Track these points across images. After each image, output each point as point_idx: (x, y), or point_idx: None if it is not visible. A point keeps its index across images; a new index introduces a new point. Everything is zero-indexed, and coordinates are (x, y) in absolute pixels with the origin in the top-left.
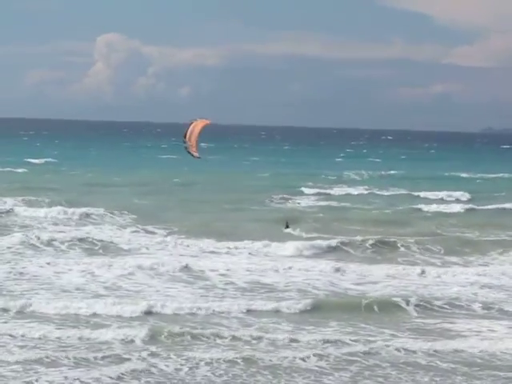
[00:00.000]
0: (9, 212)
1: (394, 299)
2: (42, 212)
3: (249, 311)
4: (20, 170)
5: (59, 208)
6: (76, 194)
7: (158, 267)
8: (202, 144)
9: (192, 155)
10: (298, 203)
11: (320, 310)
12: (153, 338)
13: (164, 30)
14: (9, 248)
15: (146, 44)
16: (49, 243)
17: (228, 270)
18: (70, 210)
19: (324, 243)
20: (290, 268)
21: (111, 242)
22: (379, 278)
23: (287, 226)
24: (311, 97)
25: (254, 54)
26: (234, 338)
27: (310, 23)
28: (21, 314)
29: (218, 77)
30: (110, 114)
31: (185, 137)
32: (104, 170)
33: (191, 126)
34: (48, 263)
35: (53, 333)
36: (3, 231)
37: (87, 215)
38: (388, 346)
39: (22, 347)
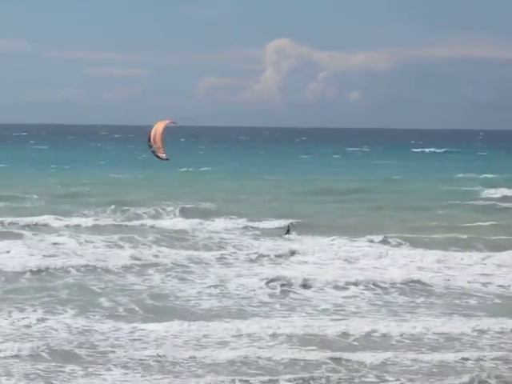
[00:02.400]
0: None
1: None
2: None
3: None
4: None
5: None
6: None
7: None
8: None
9: (159, 157)
10: None
11: None
12: None
13: (334, 34)
14: None
15: (316, 49)
16: None
17: None
18: None
19: None
20: None
21: None
22: None
23: (288, 232)
24: (482, 100)
25: (422, 57)
26: None
27: (479, 25)
28: None
29: (388, 81)
30: (280, 121)
31: (149, 140)
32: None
33: (153, 129)
34: None
35: None
36: None
37: None
38: None
39: None
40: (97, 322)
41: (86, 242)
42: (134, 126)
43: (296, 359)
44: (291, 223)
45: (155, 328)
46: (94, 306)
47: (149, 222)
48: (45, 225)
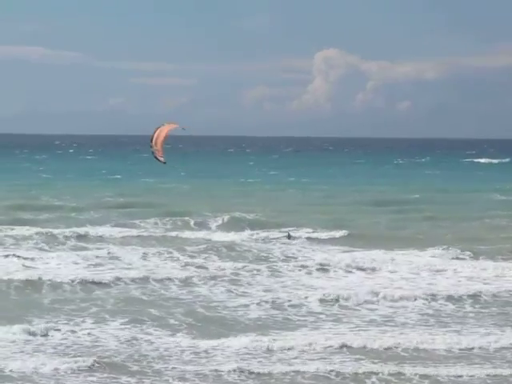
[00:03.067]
0: None
1: None
2: None
3: None
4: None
5: None
6: None
7: None
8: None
9: (158, 160)
10: None
11: None
12: None
13: (381, 44)
14: None
15: (365, 59)
16: None
17: None
18: None
19: None
20: None
21: None
22: None
23: (289, 237)
24: None
25: (472, 66)
26: None
27: None
28: None
29: (437, 90)
30: (328, 130)
31: (151, 141)
32: None
33: (157, 131)
34: None
35: None
36: None
37: None
38: None
39: None
40: (146, 333)
41: (136, 252)
42: (183, 136)
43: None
44: (289, 232)
45: (231, 342)
46: (143, 315)
47: (198, 233)
48: (95, 235)
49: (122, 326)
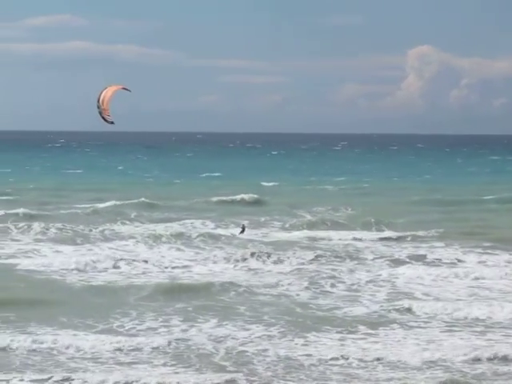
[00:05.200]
0: None
1: None
2: None
3: None
4: None
5: None
6: None
7: None
8: None
9: (105, 120)
10: None
11: None
12: None
13: (475, 41)
14: None
15: (458, 56)
16: None
17: None
18: None
19: None
20: None
21: None
22: None
23: (242, 231)
24: None
25: None
26: None
27: None
28: None
29: None
30: (423, 127)
31: (98, 101)
32: None
33: (104, 91)
34: None
35: None
36: None
37: None
38: None
39: None
40: (237, 330)
41: (230, 253)
42: (273, 133)
43: None
44: (244, 224)
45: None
46: (235, 315)
47: (290, 233)
48: (183, 234)
49: (214, 325)
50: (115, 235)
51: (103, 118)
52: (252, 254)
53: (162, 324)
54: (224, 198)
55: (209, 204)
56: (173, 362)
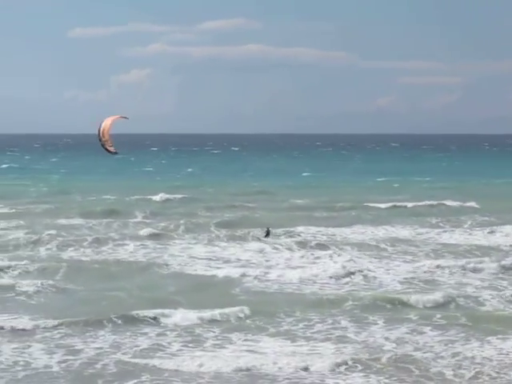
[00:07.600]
0: None
1: None
2: None
3: None
4: None
5: None
6: None
7: None
8: None
9: (108, 151)
10: None
11: None
12: None
13: None
14: None
15: None
16: None
17: None
18: None
19: None
20: None
21: None
22: None
23: (267, 234)
24: None
25: None
26: None
27: None
28: None
29: None
30: None
31: (98, 135)
32: None
33: (103, 124)
34: None
35: None
36: None
37: None
38: None
39: None
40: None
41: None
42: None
43: None
44: (269, 228)
45: None
46: None
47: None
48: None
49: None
50: None
51: (106, 149)
52: None
53: None
54: None
55: None
56: None
